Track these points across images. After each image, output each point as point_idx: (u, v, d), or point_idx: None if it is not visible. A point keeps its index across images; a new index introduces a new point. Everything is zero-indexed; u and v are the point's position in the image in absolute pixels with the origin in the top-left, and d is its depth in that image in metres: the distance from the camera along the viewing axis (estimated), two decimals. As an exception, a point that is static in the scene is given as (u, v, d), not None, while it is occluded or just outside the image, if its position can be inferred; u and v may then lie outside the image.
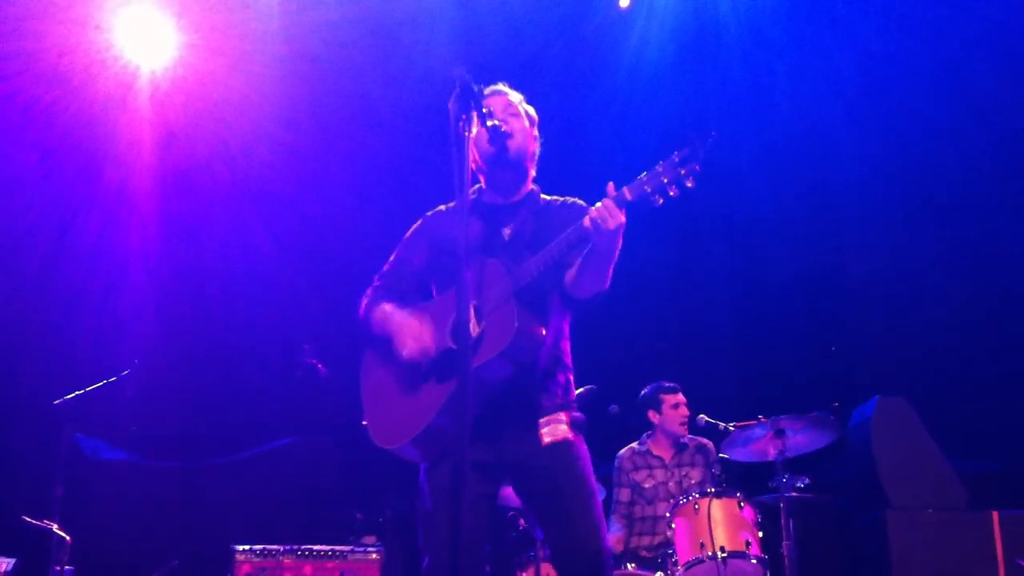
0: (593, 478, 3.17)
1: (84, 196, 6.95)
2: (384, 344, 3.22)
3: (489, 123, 3.00)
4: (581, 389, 4.90)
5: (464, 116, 2.85)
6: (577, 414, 3.23)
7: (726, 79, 7.21)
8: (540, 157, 3.47)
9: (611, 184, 2.92)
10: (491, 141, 3.11)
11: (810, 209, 7.62)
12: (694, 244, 8.08)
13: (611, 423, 5.83)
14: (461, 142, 3.20)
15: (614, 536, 5.70)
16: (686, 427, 5.82)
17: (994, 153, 6.95)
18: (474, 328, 2.98)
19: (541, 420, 3.13)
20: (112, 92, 6.63)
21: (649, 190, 2.85)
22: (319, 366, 5.78)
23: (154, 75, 6.65)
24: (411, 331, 3.13)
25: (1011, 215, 7.13)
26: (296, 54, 6.67)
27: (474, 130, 2.88)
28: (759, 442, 5.40)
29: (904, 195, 7.37)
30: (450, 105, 3.30)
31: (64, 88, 6.51)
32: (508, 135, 3.15)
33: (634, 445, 5.98)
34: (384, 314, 3.26)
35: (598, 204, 2.89)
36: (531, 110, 3.38)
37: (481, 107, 2.92)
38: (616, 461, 5.95)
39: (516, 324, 2.95)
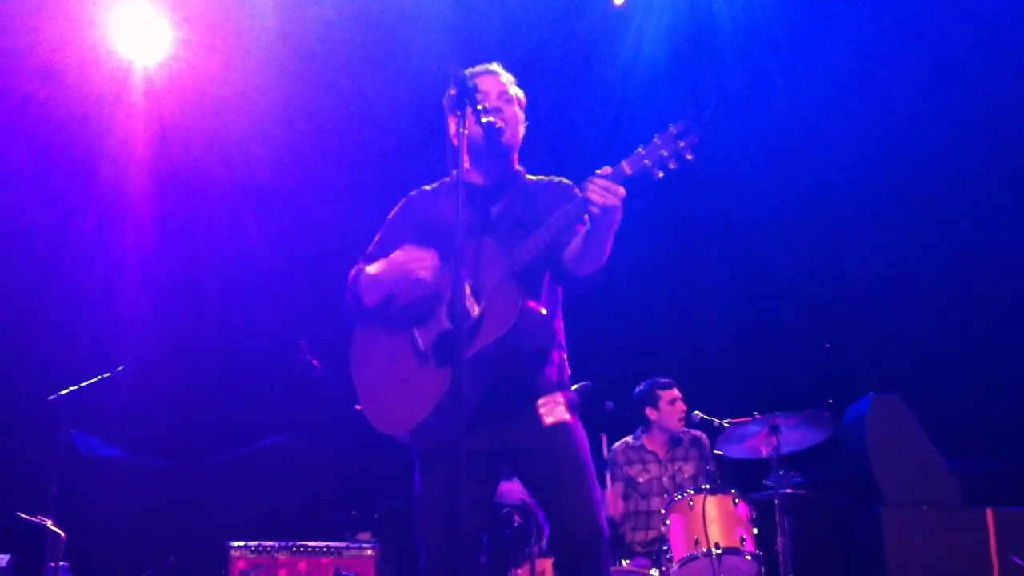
0: (591, 461, 3.16)
1: (79, 193, 6.94)
2: (377, 315, 3.19)
3: (484, 120, 2.99)
4: (576, 385, 4.90)
5: (459, 112, 2.86)
6: (572, 395, 3.23)
7: (722, 77, 7.21)
8: (539, 155, 3.47)
9: (606, 168, 2.89)
10: (486, 137, 3.11)
11: (806, 208, 7.63)
12: (690, 242, 8.08)
13: (607, 420, 5.84)
14: (457, 138, 3.23)
15: (611, 495, 5.71)
16: (683, 422, 5.83)
17: (990, 153, 6.96)
18: (473, 308, 2.97)
19: (539, 401, 3.12)
20: (106, 89, 6.62)
21: (648, 164, 2.84)
22: (315, 363, 5.76)
23: (148, 72, 6.64)
24: (415, 262, 3.08)
25: (1005, 215, 7.15)
26: (292, 51, 6.66)
27: (466, 129, 2.88)
28: (754, 439, 5.41)
29: (900, 194, 7.39)
30: (444, 101, 3.33)
31: (58, 85, 6.49)
32: (501, 132, 3.15)
33: (628, 439, 5.98)
34: (370, 272, 3.20)
35: (597, 179, 2.85)
36: (520, 93, 3.36)
37: (476, 103, 2.92)
38: (610, 455, 5.95)
39: (519, 304, 2.94)
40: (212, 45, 6.57)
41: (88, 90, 6.59)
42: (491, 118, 3.04)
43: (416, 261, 3.10)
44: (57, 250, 6.94)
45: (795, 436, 5.36)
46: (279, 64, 6.70)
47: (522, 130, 3.34)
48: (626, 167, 2.87)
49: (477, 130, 3.03)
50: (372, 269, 3.22)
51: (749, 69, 7.15)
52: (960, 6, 6.59)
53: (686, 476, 5.73)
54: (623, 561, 5.34)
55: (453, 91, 2.97)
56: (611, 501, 5.73)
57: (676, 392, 5.89)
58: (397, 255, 3.15)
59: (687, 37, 7.02)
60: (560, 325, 3.28)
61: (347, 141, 7.15)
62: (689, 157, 2.81)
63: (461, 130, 2.85)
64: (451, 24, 6.61)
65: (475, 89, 2.95)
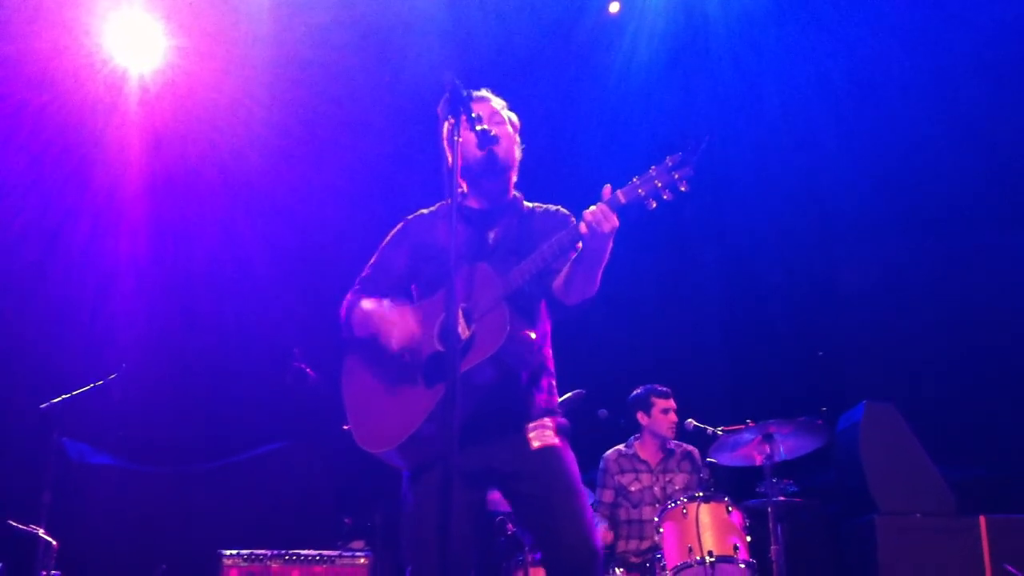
0: (581, 483, 3.16)
1: (73, 200, 6.93)
2: (367, 345, 3.19)
3: (478, 127, 2.99)
4: (570, 393, 4.92)
5: (453, 121, 2.87)
6: (562, 420, 3.23)
7: (716, 85, 7.24)
8: (533, 163, 3.47)
9: (607, 187, 2.91)
10: (480, 146, 3.09)
11: (800, 215, 7.65)
12: (684, 249, 8.10)
13: (600, 427, 5.83)
14: (451, 147, 3.23)
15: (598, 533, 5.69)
16: (674, 432, 5.83)
17: (983, 161, 6.99)
18: (464, 331, 2.97)
19: (528, 425, 3.12)
20: (101, 96, 6.62)
21: (643, 193, 2.85)
22: (308, 371, 5.76)
23: (143, 79, 6.64)
24: (396, 320, 3.09)
25: (998, 223, 7.17)
26: (286, 58, 6.66)
27: (460, 137, 2.89)
28: (747, 447, 5.41)
29: (894, 202, 7.41)
30: (439, 110, 3.33)
31: (53, 92, 6.49)
32: (496, 140, 3.13)
33: (620, 447, 5.97)
34: (365, 310, 3.21)
35: (592, 208, 2.88)
36: (514, 117, 3.37)
37: (470, 112, 2.92)
38: (601, 463, 5.93)
39: (508, 328, 2.94)
40: (207, 52, 6.58)
41: (83, 97, 6.59)
42: (485, 126, 3.04)
43: (384, 329, 3.10)
44: (51, 257, 6.94)
45: (789, 444, 5.37)
46: (274, 71, 6.71)
47: (517, 152, 3.34)
48: (621, 196, 2.88)
49: (471, 139, 3.03)
50: (366, 306, 3.22)
51: (742, 77, 7.17)
52: (952, 14, 6.62)
53: (676, 487, 5.71)
54: (616, 570, 5.34)
55: (448, 99, 2.98)
56: None
57: (671, 402, 5.88)
58: (384, 314, 3.14)
59: (681, 45, 7.04)
60: (549, 351, 3.28)
61: (342, 148, 7.16)
62: (683, 188, 2.82)
63: (456, 138, 2.86)
64: (446, 32, 6.63)
65: (469, 98, 2.95)
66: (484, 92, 3.33)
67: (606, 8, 6.93)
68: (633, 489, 5.77)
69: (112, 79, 6.60)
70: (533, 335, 3.08)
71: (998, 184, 7.01)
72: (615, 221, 2.85)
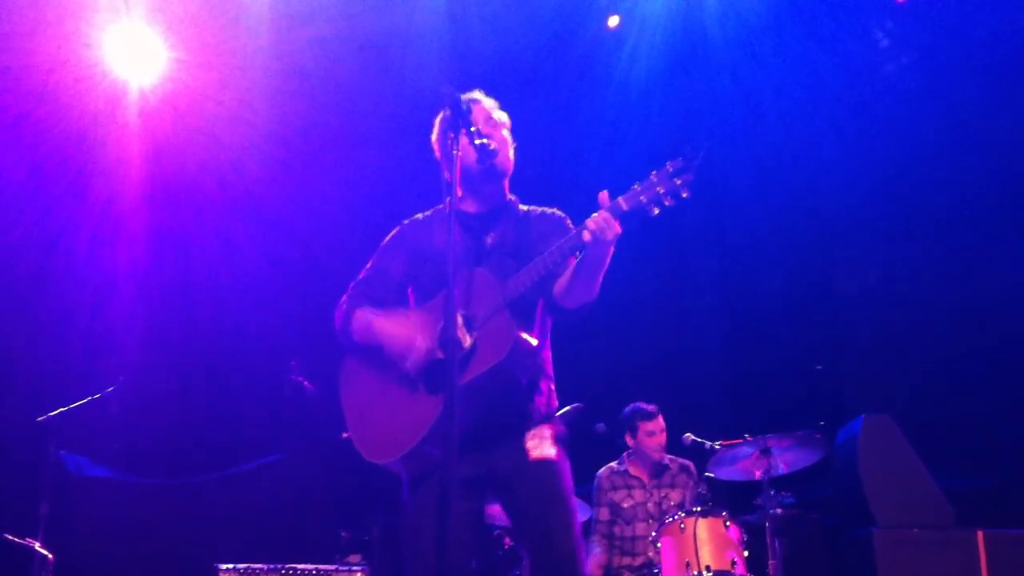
0: (574, 497, 3.17)
1: (72, 211, 6.94)
2: (369, 352, 3.19)
3: (477, 142, 3.01)
4: (568, 407, 4.91)
5: (452, 134, 2.88)
6: (560, 427, 3.23)
7: (715, 95, 7.25)
8: (535, 172, 3.48)
9: (604, 193, 2.92)
10: (479, 160, 3.10)
11: (798, 227, 7.66)
12: (682, 261, 8.10)
13: (598, 441, 5.83)
14: (443, 154, 3.24)
15: (595, 559, 5.66)
16: (663, 451, 5.81)
17: (983, 170, 6.99)
18: (466, 339, 2.98)
19: (527, 433, 3.13)
20: (101, 108, 6.63)
21: (644, 200, 2.86)
22: (306, 383, 5.75)
23: (143, 91, 6.66)
24: (407, 339, 3.09)
25: (999, 233, 7.17)
26: (286, 70, 6.68)
27: (459, 151, 2.91)
28: (745, 461, 5.41)
29: (892, 213, 7.42)
30: (436, 122, 3.35)
31: (53, 104, 6.50)
32: (496, 153, 3.16)
33: (613, 464, 5.96)
34: (367, 320, 3.21)
35: (595, 215, 2.88)
36: (504, 116, 3.37)
37: (469, 125, 2.95)
38: (595, 480, 5.93)
39: (512, 336, 2.95)
40: (206, 64, 6.59)
41: (83, 109, 6.60)
42: (485, 140, 3.06)
43: (394, 346, 3.10)
44: (49, 267, 6.93)
45: (787, 458, 5.37)
46: (273, 83, 6.72)
47: (512, 153, 3.35)
48: (623, 203, 2.89)
49: (471, 152, 3.04)
50: (365, 322, 3.21)
51: (741, 86, 7.19)
52: (949, 22, 6.64)
53: (672, 503, 5.70)
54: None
55: (447, 112, 3.00)
56: (592, 567, 5.64)
57: (658, 423, 5.84)
58: (393, 332, 3.13)
59: (680, 57, 7.06)
60: (548, 355, 3.29)
61: (342, 159, 7.17)
62: (685, 195, 2.83)
63: (455, 151, 2.88)
64: (445, 45, 6.65)
65: (469, 111, 2.97)
66: (476, 94, 3.34)
67: (606, 20, 6.95)
68: (626, 506, 5.75)
69: (112, 91, 6.61)
70: (534, 341, 3.08)
71: (997, 192, 7.01)
72: (618, 228, 2.87)
